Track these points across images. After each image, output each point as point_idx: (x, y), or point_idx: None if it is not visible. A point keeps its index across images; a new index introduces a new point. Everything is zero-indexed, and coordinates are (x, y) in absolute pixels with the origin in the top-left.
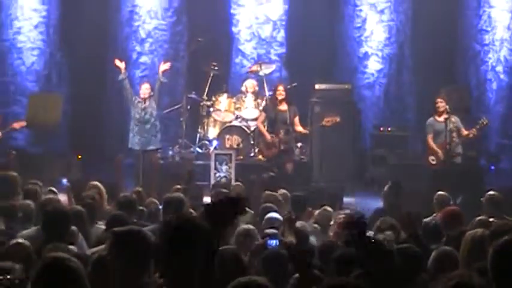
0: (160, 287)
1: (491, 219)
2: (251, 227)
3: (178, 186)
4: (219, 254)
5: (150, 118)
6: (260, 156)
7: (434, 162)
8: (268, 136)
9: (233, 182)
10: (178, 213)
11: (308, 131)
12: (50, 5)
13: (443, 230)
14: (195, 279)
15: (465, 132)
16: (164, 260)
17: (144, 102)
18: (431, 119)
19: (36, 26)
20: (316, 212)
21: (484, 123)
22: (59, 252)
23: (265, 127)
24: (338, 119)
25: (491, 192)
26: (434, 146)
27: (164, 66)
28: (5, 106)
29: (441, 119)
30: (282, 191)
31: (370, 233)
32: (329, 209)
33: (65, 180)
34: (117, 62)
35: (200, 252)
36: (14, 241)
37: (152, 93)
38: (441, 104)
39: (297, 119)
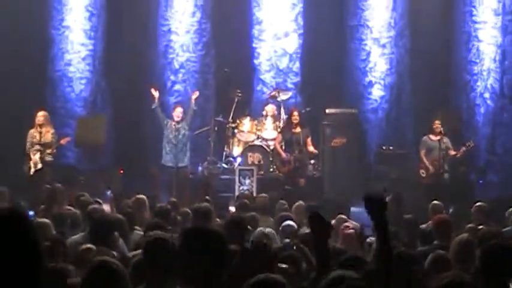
0: None
1: (480, 227)
2: (271, 230)
3: (207, 198)
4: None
5: (182, 138)
6: (277, 172)
7: (424, 175)
8: (283, 155)
9: (255, 194)
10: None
11: (318, 151)
12: (96, 40)
13: (435, 236)
14: (211, 279)
15: (453, 153)
16: (183, 264)
17: (177, 124)
18: (425, 137)
19: (84, 58)
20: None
21: (471, 145)
22: (105, 256)
23: (282, 147)
24: (345, 141)
25: (478, 203)
26: (426, 161)
27: (195, 95)
28: (58, 128)
29: (434, 138)
30: (299, 202)
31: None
32: (343, 216)
33: (108, 192)
34: (152, 91)
35: (213, 255)
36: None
37: (184, 116)
38: (438, 125)
39: (309, 140)
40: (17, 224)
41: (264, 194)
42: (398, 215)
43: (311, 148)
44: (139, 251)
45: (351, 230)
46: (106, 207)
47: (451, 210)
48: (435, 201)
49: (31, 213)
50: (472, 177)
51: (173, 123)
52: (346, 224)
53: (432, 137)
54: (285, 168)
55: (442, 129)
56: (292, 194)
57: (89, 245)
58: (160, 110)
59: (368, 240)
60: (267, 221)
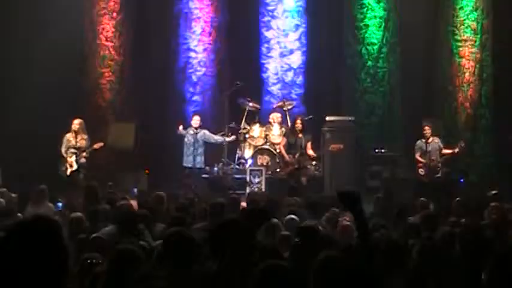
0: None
1: (462, 220)
2: (277, 220)
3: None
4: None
5: (199, 143)
6: (282, 172)
7: (423, 174)
8: (287, 157)
9: (263, 191)
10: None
11: (316, 154)
12: (124, 56)
13: (422, 228)
14: (237, 263)
15: (448, 151)
16: (212, 251)
17: (196, 130)
18: (419, 141)
19: (114, 72)
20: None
21: (462, 145)
22: (129, 244)
23: (286, 150)
24: (341, 147)
25: (457, 199)
26: (423, 161)
27: (229, 138)
28: (91, 134)
29: (426, 141)
30: (301, 198)
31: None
32: (336, 209)
33: (135, 189)
34: (180, 126)
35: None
36: (95, 235)
37: (201, 123)
38: (428, 131)
39: (309, 144)
40: (48, 234)
41: (265, 192)
42: (389, 210)
43: (310, 151)
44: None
45: (348, 222)
46: (133, 203)
47: (436, 206)
48: (422, 198)
49: (59, 204)
50: (454, 176)
51: (192, 130)
52: (345, 217)
53: (423, 140)
54: (288, 169)
55: (430, 133)
56: (295, 191)
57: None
58: (182, 129)
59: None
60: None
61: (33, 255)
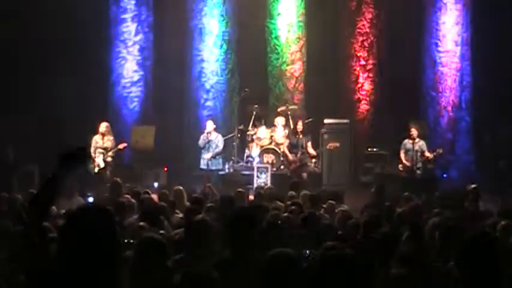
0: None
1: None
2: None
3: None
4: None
5: (213, 146)
6: (286, 169)
7: (401, 170)
8: (290, 156)
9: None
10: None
11: (316, 152)
12: (145, 68)
13: (407, 219)
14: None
15: (427, 155)
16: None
17: (209, 135)
18: (405, 140)
19: (136, 82)
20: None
21: (440, 152)
22: (152, 233)
23: (289, 150)
24: (338, 145)
25: (437, 193)
26: (404, 159)
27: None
28: (116, 136)
29: (411, 141)
30: (304, 191)
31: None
32: (333, 201)
33: (155, 184)
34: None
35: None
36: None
37: (215, 127)
38: (414, 132)
39: (309, 144)
40: (104, 219)
41: (271, 186)
42: (380, 203)
43: (311, 150)
44: (180, 229)
45: (345, 209)
46: (154, 196)
47: (422, 199)
48: (406, 193)
49: (91, 199)
50: (437, 172)
51: (205, 134)
52: (342, 208)
53: (410, 141)
54: (290, 166)
55: (416, 134)
56: (298, 185)
57: (141, 224)
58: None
59: (353, 220)
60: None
61: (97, 234)
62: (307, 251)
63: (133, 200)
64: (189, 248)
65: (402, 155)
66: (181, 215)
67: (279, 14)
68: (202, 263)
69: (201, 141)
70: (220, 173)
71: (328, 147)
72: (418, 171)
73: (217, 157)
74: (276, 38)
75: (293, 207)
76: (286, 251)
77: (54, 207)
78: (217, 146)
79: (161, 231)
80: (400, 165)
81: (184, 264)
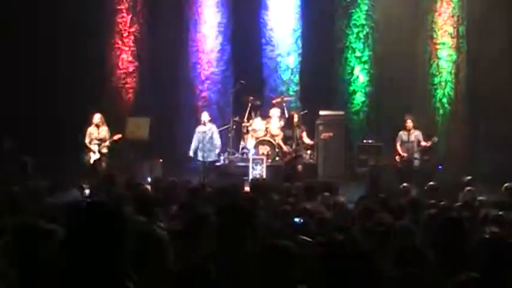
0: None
1: (442, 203)
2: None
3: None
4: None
5: (209, 138)
6: (281, 161)
7: (398, 161)
8: (285, 147)
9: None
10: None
11: (313, 141)
12: (140, 58)
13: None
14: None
15: (423, 144)
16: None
17: (204, 125)
18: (400, 132)
19: (131, 73)
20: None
21: (435, 140)
22: (149, 226)
23: (284, 141)
24: (331, 134)
25: (431, 183)
26: (400, 150)
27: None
28: (111, 127)
29: (406, 133)
30: (298, 183)
31: None
32: (327, 194)
33: (148, 178)
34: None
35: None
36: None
37: (210, 119)
38: (409, 123)
39: (304, 134)
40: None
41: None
42: (374, 194)
43: (306, 140)
44: (175, 222)
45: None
46: (149, 188)
47: (417, 191)
48: (405, 184)
49: (87, 191)
50: (433, 164)
51: (201, 126)
52: (337, 200)
53: (405, 132)
54: (286, 158)
55: (412, 125)
56: (292, 176)
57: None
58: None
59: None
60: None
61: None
62: (305, 238)
63: (127, 192)
64: (187, 239)
65: (398, 147)
66: (176, 207)
67: (274, 6)
68: (198, 255)
69: (198, 135)
70: (216, 164)
71: (322, 137)
72: (416, 162)
73: (212, 149)
74: (272, 29)
75: (290, 198)
76: (288, 244)
77: (50, 199)
78: (212, 137)
79: (157, 224)
80: (396, 157)
81: (182, 257)
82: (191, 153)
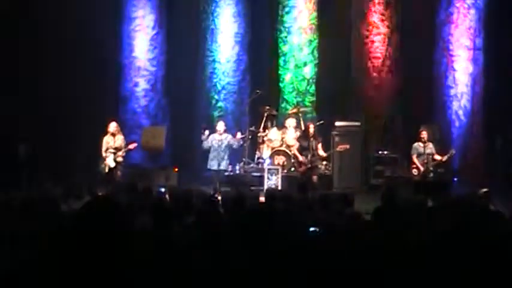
0: None
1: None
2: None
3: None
4: None
5: (223, 147)
6: (296, 171)
7: (416, 174)
8: (300, 158)
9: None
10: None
11: (326, 154)
12: (157, 67)
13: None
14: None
15: (439, 158)
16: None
17: (220, 135)
18: (415, 144)
19: (148, 81)
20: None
21: (453, 153)
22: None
23: (299, 152)
24: (348, 147)
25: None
26: (417, 162)
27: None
28: (126, 135)
29: (422, 145)
30: (313, 194)
31: None
32: (343, 205)
33: (162, 189)
34: (206, 131)
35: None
36: None
37: (225, 128)
38: (424, 135)
39: (319, 146)
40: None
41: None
42: (390, 205)
43: (321, 152)
44: (193, 230)
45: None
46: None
47: (432, 203)
48: (419, 195)
49: None
50: (448, 177)
51: (217, 134)
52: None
53: (421, 144)
54: (301, 168)
55: (427, 137)
56: (307, 187)
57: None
58: (207, 135)
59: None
60: None
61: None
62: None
63: (144, 201)
64: (205, 248)
65: (415, 159)
66: (193, 216)
67: (291, 17)
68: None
69: (213, 144)
70: (231, 174)
71: (338, 149)
72: (430, 175)
73: (226, 158)
74: (288, 40)
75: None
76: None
77: (65, 207)
78: (228, 145)
79: (172, 231)
80: (414, 170)
81: (202, 266)
82: (208, 166)
